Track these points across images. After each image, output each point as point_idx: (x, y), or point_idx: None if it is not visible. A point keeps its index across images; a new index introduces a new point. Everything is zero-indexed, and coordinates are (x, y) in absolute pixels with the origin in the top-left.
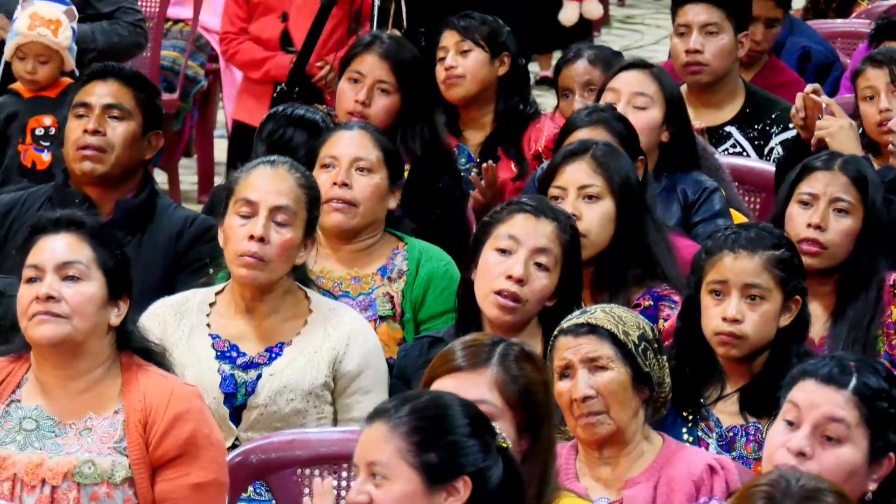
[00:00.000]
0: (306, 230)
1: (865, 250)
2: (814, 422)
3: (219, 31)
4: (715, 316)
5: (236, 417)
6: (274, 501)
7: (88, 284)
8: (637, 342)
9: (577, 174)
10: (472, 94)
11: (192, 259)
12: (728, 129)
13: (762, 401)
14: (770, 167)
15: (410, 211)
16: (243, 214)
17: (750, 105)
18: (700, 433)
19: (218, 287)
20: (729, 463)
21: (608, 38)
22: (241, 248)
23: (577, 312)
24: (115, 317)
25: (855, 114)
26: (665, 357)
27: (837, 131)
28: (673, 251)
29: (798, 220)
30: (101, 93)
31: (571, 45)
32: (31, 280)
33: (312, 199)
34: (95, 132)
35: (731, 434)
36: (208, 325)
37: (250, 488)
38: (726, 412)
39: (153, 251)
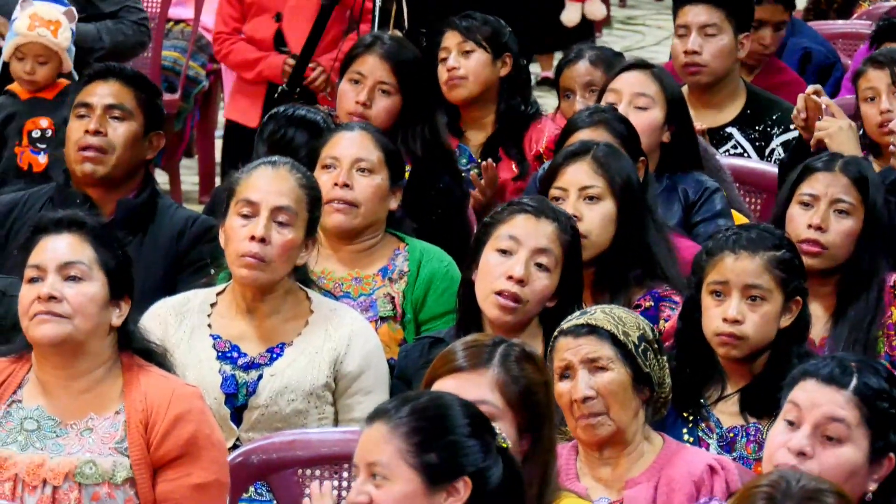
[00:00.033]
0: (307, 231)
1: (866, 251)
2: (814, 422)
3: None
4: (715, 316)
5: (237, 418)
6: (275, 502)
7: (90, 285)
8: (637, 343)
9: (578, 175)
10: (474, 95)
11: (193, 259)
12: (729, 130)
13: (763, 401)
14: (771, 168)
15: (411, 211)
16: (244, 215)
17: (751, 106)
18: (700, 434)
19: (219, 287)
20: (729, 463)
21: (609, 39)
22: (242, 248)
23: (577, 313)
24: (117, 317)
25: (856, 115)
26: (665, 357)
27: (836, 132)
28: (674, 252)
29: (799, 221)
30: (103, 93)
31: (573, 46)
32: (32, 280)
33: (313, 200)
34: (97, 132)
35: (731, 434)
36: (209, 325)
37: (251, 488)
38: (727, 413)
39: (154, 251)
